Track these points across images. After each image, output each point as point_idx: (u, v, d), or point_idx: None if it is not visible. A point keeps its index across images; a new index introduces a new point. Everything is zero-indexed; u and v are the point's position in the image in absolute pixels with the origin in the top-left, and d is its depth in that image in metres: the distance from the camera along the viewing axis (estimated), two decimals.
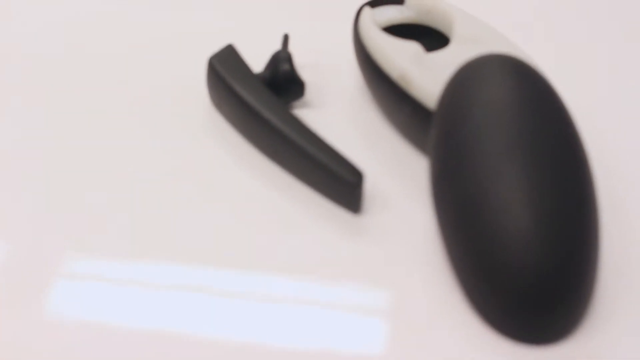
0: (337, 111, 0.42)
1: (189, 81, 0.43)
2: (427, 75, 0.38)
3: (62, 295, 0.34)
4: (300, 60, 0.43)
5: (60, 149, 0.41)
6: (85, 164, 0.40)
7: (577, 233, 0.33)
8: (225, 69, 0.40)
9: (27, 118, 0.42)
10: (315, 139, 0.37)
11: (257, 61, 0.41)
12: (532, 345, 0.33)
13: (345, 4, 0.45)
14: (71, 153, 0.40)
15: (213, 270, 0.35)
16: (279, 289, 0.35)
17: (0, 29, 0.48)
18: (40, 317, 0.33)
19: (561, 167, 0.34)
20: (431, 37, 0.42)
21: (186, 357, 0.32)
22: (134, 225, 0.37)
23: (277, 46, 0.42)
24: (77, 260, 0.36)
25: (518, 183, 0.33)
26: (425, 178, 0.38)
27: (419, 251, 0.36)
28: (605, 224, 0.36)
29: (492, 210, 0.33)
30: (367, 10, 0.42)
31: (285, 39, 0.42)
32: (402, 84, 0.38)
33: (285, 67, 0.41)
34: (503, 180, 0.33)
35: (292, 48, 0.42)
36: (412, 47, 0.39)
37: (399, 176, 0.39)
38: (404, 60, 0.39)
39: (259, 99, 0.39)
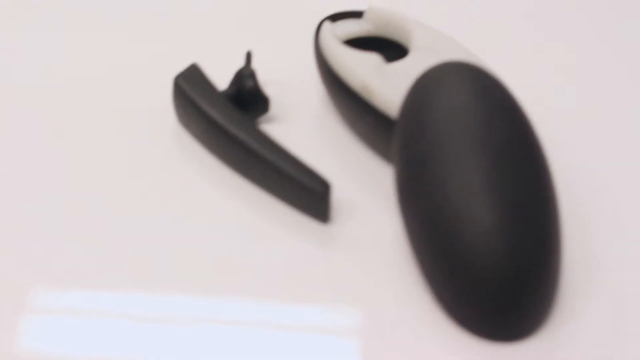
0: (302, 124, 0.43)
1: (155, 101, 0.43)
2: (387, 85, 0.39)
3: (26, 329, 0.35)
4: (263, 76, 0.43)
5: (26, 172, 0.41)
6: (52, 186, 0.40)
7: (539, 233, 0.34)
8: (190, 88, 0.41)
9: None
10: (281, 152, 0.38)
11: (221, 79, 0.42)
12: (501, 343, 0.33)
13: (305, 20, 0.45)
14: (38, 175, 0.41)
15: (182, 291, 0.36)
16: (250, 304, 0.35)
17: None
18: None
19: (521, 169, 0.35)
20: (390, 49, 0.42)
21: None
22: (101, 249, 0.37)
23: (240, 64, 0.43)
24: (41, 290, 0.36)
25: (480, 186, 0.34)
26: (390, 185, 0.39)
27: (388, 257, 0.37)
28: (566, 223, 0.37)
29: (456, 214, 0.34)
30: (327, 24, 0.43)
31: (248, 56, 0.43)
32: (364, 94, 0.39)
33: (250, 83, 0.42)
34: (465, 183, 0.34)
35: (256, 65, 0.43)
36: (372, 59, 0.40)
37: (365, 185, 0.40)
38: (365, 71, 0.39)
39: (225, 115, 0.39)
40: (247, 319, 0.35)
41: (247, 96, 0.42)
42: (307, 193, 0.37)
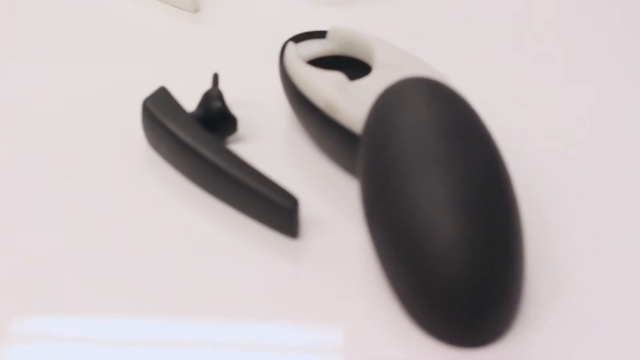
0: (269, 143, 0.44)
1: (124, 125, 0.44)
2: (351, 102, 0.40)
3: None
4: (231, 97, 0.44)
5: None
6: (22, 209, 0.41)
7: (501, 241, 0.35)
8: (159, 110, 0.41)
9: None
10: (250, 170, 0.39)
11: (189, 101, 0.43)
12: (468, 349, 0.34)
13: (269, 42, 0.46)
14: (8, 198, 0.41)
15: (151, 312, 0.36)
16: (221, 321, 0.36)
17: None
18: None
19: (482, 180, 0.36)
20: (353, 67, 0.43)
21: None
22: (74, 276, 0.38)
23: (207, 86, 0.44)
24: (20, 318, 0.36)
25: (443, 197, 0.35)
26: (357, 200, 0.40)
27: (356, 269, 0.38)
28: (528, 231, 0.38)
29: (420, 225, 0.35)
30: (291, 45, 0.43)
31: (215, 77, 0.44)
32: (329, 112, 0.40)
33: (217, 104, 0.42)
34: (428, 195, 0.35)
35: (222, 86, 0.44)
36: (335, 77, 0.41)
37: (332, 200, 0.41)
38: (329, 89, 0.40)
39: (194, 136, 0.40)
40: (219, 337, 0.35)
41: (215, 117, 0.42)
42: (276, 209, 0.38)
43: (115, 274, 0.38)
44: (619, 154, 0.44)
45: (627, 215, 0.40)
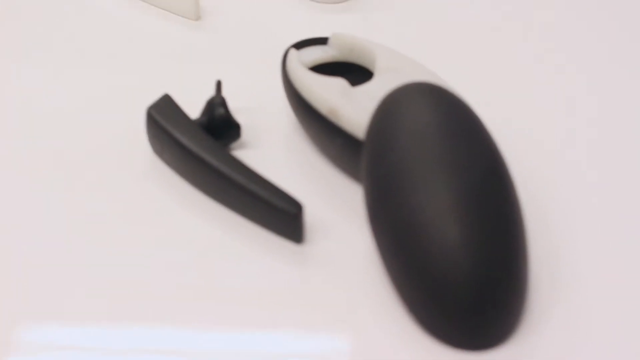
0: (273, 149, 0.44)
1: (128, 132, 0.44)
2: (354, 107, 0.40)
3: None
4: (234, 104, 0.44)
5: (5, 205, 0.42)
6: (27, 216, 0.41)
7: (505, 244, 0.35)
8: (163, 118, 0.42)
9: None
10: (254, 177, 0.39)
11: (193, 108, 0.43)
12: (473, 351, 0.35)
13: (271, 49, 0.47)
14: (13, 205, 0.41)
15: (160, 315, 0.37)
16: (228, 327, 0.36)
17: None
18: None
19: (485, 183, 0.36)
20: (355, 73, 0.44)
21: None
22: (77, 280, 0.38)
23: (210, 93, 0.44)
24: (26, 324, 0.37)
25: (446, 201, 0.35)
26: (361, 204, 0.40)
27: (361, 273, 0.38)
28: (531, 233, 0.38)
29: (424, 229, 0.35)
30: (293, 52, 0.44)
31: (219, 84, 0.44)
32: (332, 118, 0.40)
33: (221, 111, 0.43)
34: (431, 199, 0.35)
35: (226, 93, 0.44)
36: (338, 83, 0.41)
37: (336, 205, 0.41)
38: (332, 95, 0.40)
39: (198, 143, 0.40)
40: (225, 343, 0.36)
41: (219, 124, 0.43)
42: (281, 215, 0.38)
43: (120, 280, 0.38)
44: (620, 155, 0.44)
45: (630, 217, 0.41)
